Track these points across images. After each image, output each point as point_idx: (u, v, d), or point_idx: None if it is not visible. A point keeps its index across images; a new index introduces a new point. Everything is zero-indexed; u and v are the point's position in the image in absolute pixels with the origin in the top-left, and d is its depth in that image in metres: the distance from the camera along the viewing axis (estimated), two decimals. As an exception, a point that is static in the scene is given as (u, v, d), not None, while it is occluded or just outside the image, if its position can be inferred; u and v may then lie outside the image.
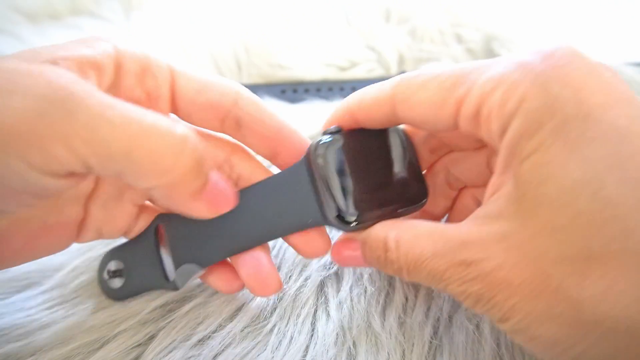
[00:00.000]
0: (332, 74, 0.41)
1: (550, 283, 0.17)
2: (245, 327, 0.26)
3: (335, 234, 0.28)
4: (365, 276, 0.28)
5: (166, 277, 0.25)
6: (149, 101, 0.23)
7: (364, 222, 0.22)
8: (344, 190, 0.22)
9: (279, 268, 0.28)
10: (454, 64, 0.35)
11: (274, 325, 0.26)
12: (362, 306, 0.27)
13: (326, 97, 0.39)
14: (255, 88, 0.40)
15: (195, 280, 0.28)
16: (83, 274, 0.28)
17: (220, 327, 0.26)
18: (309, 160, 0.23)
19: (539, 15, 0.45)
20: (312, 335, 0.26)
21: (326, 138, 0.23)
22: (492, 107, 0.19)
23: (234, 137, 0.25)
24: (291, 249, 0.28)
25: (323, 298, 0.27)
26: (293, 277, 0.28)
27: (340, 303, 0.27)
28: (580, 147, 0.17)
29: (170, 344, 0.25)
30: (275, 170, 0.26)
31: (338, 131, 0.23)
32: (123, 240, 0.27)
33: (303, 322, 0.26)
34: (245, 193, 0.24)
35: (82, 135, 0.16)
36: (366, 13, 0.44)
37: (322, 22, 0.44)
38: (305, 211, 0.23)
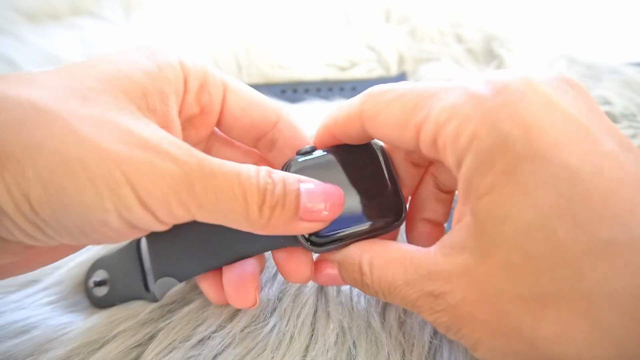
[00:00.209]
0: (332, 74, 0.41)
1: (508, 321, 0.18)
2: (245, 327, 0.26)
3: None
4: (365, 276, 0.28)
5: (147, 288, 0.26)
6: (201, 115, 0.25)
7: (335, 243, 0.22)
8: None
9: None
10: (455, 64, 0.35)
11: (274, 325, 0.26)
12: (362, 306, 0.27)
13: (326, 97, 0.39)
14: (255, 88, 0.40)
15: (195, 282, 0.28)
16: (82, 273, 0.28)
17: (220, 327, 0.26)
18: None
19: (539, 15, 0.45)
20: (312, 335, 0.26)
21: (298, 158, 0.23)
22: (447, 140, 0.19)
23: (264, 154, 0.27)
24: (291, 249, 0.28)
25: (323, 298, 0.27)
26: (293, 277, 0.28)
27: (340, 303, 0.27)
28: (531, 190, 0.17)
29: (170, 344, 0.25)
30: None
31: (311, 150, 0.24)
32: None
33: (303, 322, 0.26)
34: None
35: (197, 202, 0.19)
36: (366, 13, 0.44)
37: (322, 22, 0.44)
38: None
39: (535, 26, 0.43)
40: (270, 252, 0.25)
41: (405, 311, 0.26)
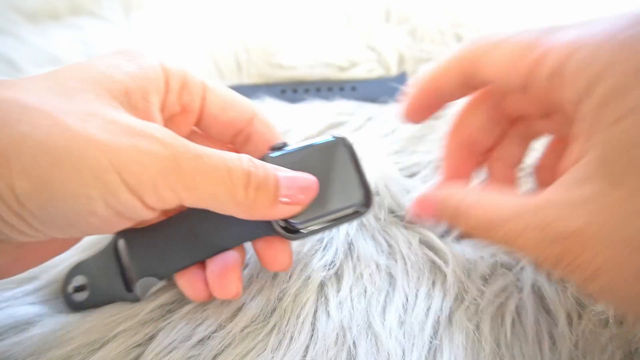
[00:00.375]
0: (332, 74, 0.41)
1: None
2: (245, 327, 0.26)
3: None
4: (365, 276, 0.28)
5: (128, 289, 0.26)
6: (182, 114, 0.26)
7: (307, 231, 0.24)
8: None
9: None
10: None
11: (274, 325, 0.26)
12: (362, 306, 0.27)
13: (326, 97, 0.39)
14: (255, 88, 0.40)
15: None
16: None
17: (220, 327, 0.26)
18: None
19: (539, 15, 0.45)
20: (312, 335, 0.26)
21: (271, 153, 0.25)
22: (575, 68, 0.19)
23: (239, 150, 0.28)
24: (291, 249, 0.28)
25: (323, 298, 0.27)
26: (293, 277, 0.28)
27: (340, 303, 0.27)
28: None
29: (170, 344, 0.25)
30: None
31: (283, 146, 0.25)
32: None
33: (303, 322, 0.26)
34: (201, 210, 0.25)
35: (184, 184, 0.20)
36: (366, 13, 0.44)
37: (322, 22, 0.44)
38: (256, 223, 0.24)
39: (535, 26, 0.43)
40: (253, 245, 0.26)
41: (405, 311, 0.26)
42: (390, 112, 0.37)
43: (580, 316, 0.27)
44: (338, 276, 0.28)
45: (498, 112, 0.27)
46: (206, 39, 0.43)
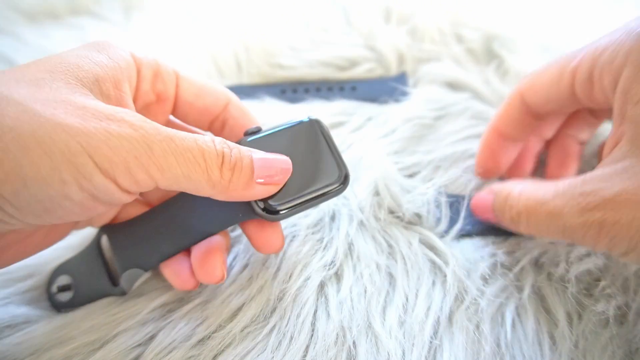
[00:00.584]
0: (332, 74, 0.41)
1: None
2: (245, 327, 0.26)
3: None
4: (365, 276, 0.28)
5: (114, 283, 0.26)
6: (157, 103, 0.26)
7: (288, 210, 0.24)
8: None
9: (278, 268, 0.28)
10: (455, 64, 0.36)
11: (274, 325, 0.26)
12: (362, 306, 0.27)
13: (326, 97, 0.39)
14: (255, 88, 0.40)
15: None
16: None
17: (220, 327, 0.26)
18: None
19: (540, 14, 0.45)
20: (312, 335, 0.26)
21: (246, 138, 0.25)
22: (603, 66, 0.23)
23: (216, 135, 0.28)
24: (291, 249, 0.28)
25: (323, 298, 0.27)
26: (293, 277, 0.28)
27: (340, 303, 0.27)
28: None
29: (170, 344, 0.25)
30: None
31: (257, 130, 0.26)
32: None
33: (303, 322, 0.26)
34: (182, 196, 0.26)
35: (157, 165, 0.20)
36: (366, 13, 0.44)
37: (322, 22, 0.44)
38: (236, 207, 0.24)
39: (536, 26, 0.43)
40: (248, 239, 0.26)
41: (405, 311, 0.26)
42: (390, 112, 0.37)
43: (580, 316, 0.27)
44: (338, 276, 0.28)
45: (526, 113, 0.29)
46: (206, 39, 0.43)
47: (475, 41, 0.41)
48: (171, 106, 0.27)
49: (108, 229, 0.27)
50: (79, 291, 0.27)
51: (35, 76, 0.20)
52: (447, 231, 0.30)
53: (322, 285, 0.28)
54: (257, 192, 0.23)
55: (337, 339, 0.25)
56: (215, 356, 0.25)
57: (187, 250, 0.26)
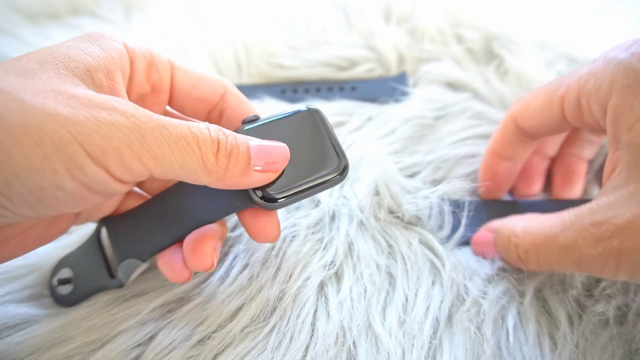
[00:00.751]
0: (332, 74, 0.41)
1: None
2: (245, 327, 0.26)
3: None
4: (365, 276, 0.28)
5: (111, 276, 0.26)
6: (153, 94, 0.26)
7: (286, 198, 0.24)
8: None
9: (278, 268, 0.28)
10: (455, 64, 0.36)
11: (274, 325, 0.26)
12: (362, 306, 0.27)
13: (326, 97, 0.39)
14: (255, 88, 0.40)
15: (194, 281, 0.28)
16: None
17: (220, 327, 0.26)
18: None
19: (540, 14, 0.45)
20: (312, 335, 0.26)
21: (244, 126, 0.25)
22: (589, 95, 0.23)
23: None
24: (291, 249, 0.28)
25: (323, 298, 0.27)
26: (293, 277, 0.28)
27: (340, 303, 0.27)
28: None
29: (170, 344, 0.25)
30: None
31: (255, 119, 0.25)
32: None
33: (303, 322, 0.26)
34: (180, 184, 0.26)
35: (150, 153, 0.19)
36: (366, 13, 0.44)
37: (322, 22, 0.44)
38: (233, 196, 0.24)
39: (536, 26, 0.43)
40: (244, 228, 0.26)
41: (405, 311, 0.26)
42: (390, 112, 0.37)
43: (580, 317, 0.27)
44: (338, 276, 0.28)
45: (521, 134, 0.30)
46: (206, 39, 0.43)
47: (475, 41, 0.41)
48: (167, 97, 0.26)
49: (107, 220, 0.27)
50: (79, 284, 0.27)
51: (26, 67, 0.20)
52: (449, 237, 0.30)
53: (322, 285, 0.28)
54: (255, 179, 0.23)
55: (337, 339, 0.25)
56: (215, 356, 0.25)
57: (182, 242, 0.26)
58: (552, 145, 0.32)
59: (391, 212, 0.31)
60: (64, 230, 0.26)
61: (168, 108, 0.28)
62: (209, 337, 0.26)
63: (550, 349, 0.26)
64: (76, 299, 0.27)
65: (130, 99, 0.24)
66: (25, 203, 0.19)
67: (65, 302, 0.27)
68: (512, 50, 0.40)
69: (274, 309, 0.27)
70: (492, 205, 0.32)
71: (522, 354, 0.25)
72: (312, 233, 0.30)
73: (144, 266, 0.27)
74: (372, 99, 0.38)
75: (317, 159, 0.24)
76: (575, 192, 0.32)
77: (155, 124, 0.20)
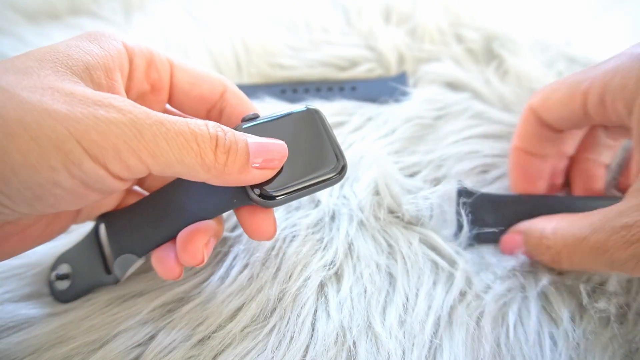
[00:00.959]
0: (332, 74, 0.41)
1: None
2: (245, 327, 0.26)
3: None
4: (365, 276, 0.28)
5: (108, 271, 0.26)
6: (152, 92, 0.26)
7: (284, 196, 0.24)
8: None
9: (278, 268, 0.28)
10: (455, 64, 0.36)
11: (274, 325, 0.26)
12: (362, 306, 0.27)
13: (326, 97, 0.39)
14: (255, 88, 0.40)
15: (194, 280, 0.28)
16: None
17: (220, 327, 0.26)
18: None
19: (540, 14, 0.45)
20: (312, 335, 0.26)
21: (243, 125, 0.25)
22: (615, 92, 0.23)
23: None
24: (291, 249, 0.28)
25: (323, 298, 0.27)
26: (293, 277, 0.28)
27: (340, 303, 0.27)
28: None
29: (170, 344, 0.25)
30: None
31: (255, 117, 0.25)
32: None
33: (303, 322, 0.26)
34: (178, 181, 0.26)
35: (148, 150, 0.19)
36: (366, 13, 0.44)
37: (322, 22, 0.44)
38: (231, 193, 0.24)
39: (536, 26, 0.43)
40: (241, 224, 0.26)
41: (405, 310, 0.26)
42: (390, 112, 0.37)
43: (581, 316, 0.27)
44: (338, 276, 0.28)
45: (543, 126, 0.30)
46: (206, 39, 0.43)
47: (475, 41, 0.41)
48: (167, 95, 0.26)
49: (105, 216, 0.27)
50: (76, 279, 0.27)
51: (24, 65, 0.20)
52: (455, 235, 0.30)
53: (322, 285, 0.28)
54: (253, 176, 0.23)
55: (337, 339, 0.25)
56: (215, 356, 0.25)
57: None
58: (570, 142, 0.31)
59: (391, 212, 0.31)
60: (64, 229, 0.26)
61: (168, 106, 0.28)
62: (209, 337, 0.26)
63: (550, 348, 0.26)
64: (73, 295, 0.27)
65: (129, 98, 0.24)
66: (23, 200, 0.19)
67: (63, 297, 0.27)
68: (512, 50, 0.40)
69: (274, 309, 0.27)
70: (505, 199, 0.32)
71: (522, 353, 0.25)
72: (312, 233, 0.30)
73: (140, 262, 0.27)
74: (372, 99, 0.38)
75: (315, 158, 0.24)
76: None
77: (152, 121, 0.20)
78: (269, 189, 0.23)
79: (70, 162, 0.18)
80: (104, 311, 0.26)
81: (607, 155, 0.32)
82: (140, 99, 0.26)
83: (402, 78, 0.40)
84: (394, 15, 0.44)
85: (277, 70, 0.41)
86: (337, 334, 0.25)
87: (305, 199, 0.31)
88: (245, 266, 0.28)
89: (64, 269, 0.27)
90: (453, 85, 0.39)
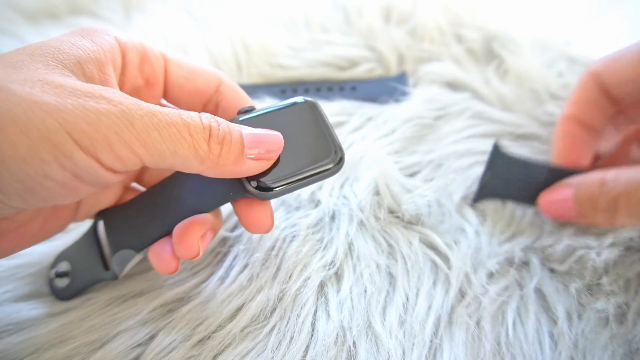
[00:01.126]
0: (332, 74, 0.41)
1: None
2: (245, 327, 0.26)
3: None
4: (365, 276, 0.28)
5: (106, 267, 0.26)
6: (147, 87, 0.26)
7: (281, 188, 0.24)
8: None
9: (278, 268, 0.28)
10: (455, 64, 0.36)
11: (274, 325, 0.26)
12: (362, 306, 0.27)
13: (326, 97, 0.39)
14: (255, 88, 0.40)
15: (194, 280, 0.28)
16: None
17: (220, 327, 0.26)
18: None
19: (540, 14, 0.45)
20: (312, 335, 0.26)
21: (239, 117, 0.25)
22: None
23: None
24: (291, 249, 0.28)
25: (323, 298, 0.27)
26: (293, 277, 0.28)
27: (340, 303, 0.27)
28: None
29: (170, 344, 0.25)
30: None
31: (251, 109, 0.25)
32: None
33: (303, 322, 0.26)
34: (175, 174, 0.26)
35: (140, 141, 0.19)
36: (366, 13, 0.44)
37: (322, 22, 0.44)
38: (228, 185, 0.24)
39: (536, 26, 0.43)
40: (239, 219, 0.26)
41: (405, 310, 0.26)
42: (390, 112, 0.37)
43: (580, 316, 0.27)
44: (338, 276, 0.28)
45: (602, 94, 0.29)
46: (206, 39, 0.43)
47: (475, 41, 0.41)
48: (161, 90, 0.26)
49: (104, 213, 0.27)
50: (75, 277, 0.27)
51: (15, 59, 0.20)
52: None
53: (322, 285, 0.28)
54: (249, 167, 0.22)
55: (337, 339, 0.25)
56: (215, 356, 0.25)
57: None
58: (608, 137, 0.31)
59: (391, 211, 0.31)
60: (62, 226, 0.26)
61: (163, 101, 0.28)
62: (209, 337, 0.26)
63: (550, 347, 0.26)
64: (73, 292, 0.27)
65: (124, 92, 0.24)
66: (15, 193, 0.19)
67: (63, 295, 0.27)
68: (512, 50, 0.40)
69: (274, 309, 0.27)
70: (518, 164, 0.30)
71: (522, 352, 0.25)
72: (312, 233, 0.30)
73: (138, 257, 0.27)
74: (372, 99, 0.38)
75: (312, 150, 0.24)
76: None
77: (144, 112, 0.19)
78: (265, 180, 0.23)
79: (61, 154, 0.18)
80: (103, 311, 0.26)
81: None
82: (135, 93, 0.25)
83: (402, 78, 0.40)
84: (394, 15, 0.44)
85: (277, 70, 0.41)
86: (337, 334, 0.25)
87: (305, 199, 0.31)
88: (245, 266, 0.28)
89: (64, 266, 0.27)
90: (453, 85, 0.39)
